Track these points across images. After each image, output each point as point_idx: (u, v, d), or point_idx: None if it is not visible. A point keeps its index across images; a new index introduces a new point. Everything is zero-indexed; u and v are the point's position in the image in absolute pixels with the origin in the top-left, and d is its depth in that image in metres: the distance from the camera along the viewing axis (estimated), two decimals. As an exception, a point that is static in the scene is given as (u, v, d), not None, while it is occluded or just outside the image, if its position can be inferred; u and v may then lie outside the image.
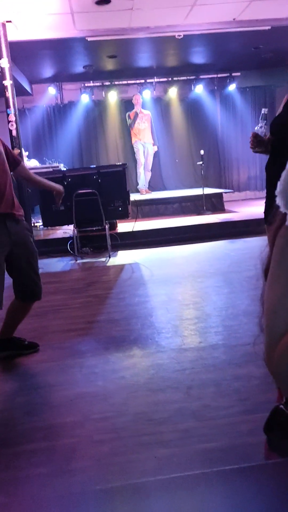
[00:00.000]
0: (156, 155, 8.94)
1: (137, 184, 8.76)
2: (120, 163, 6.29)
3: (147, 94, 9.11)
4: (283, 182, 0.77)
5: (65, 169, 7.02)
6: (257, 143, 2.35)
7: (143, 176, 8.66)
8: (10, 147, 2.75)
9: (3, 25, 4.84)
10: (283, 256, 0.75)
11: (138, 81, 9.21)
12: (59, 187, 2.86)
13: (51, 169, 6.66)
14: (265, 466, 0.47)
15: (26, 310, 2.69)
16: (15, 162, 2.60)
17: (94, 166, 7.23)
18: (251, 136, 2.37)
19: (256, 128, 2.41)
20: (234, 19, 5.58)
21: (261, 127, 2.40)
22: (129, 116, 8.51)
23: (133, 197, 6.14)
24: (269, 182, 2.23)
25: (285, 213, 0.78)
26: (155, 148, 8.77)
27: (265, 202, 2.32)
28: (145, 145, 8.53)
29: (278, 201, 0.81)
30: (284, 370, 0.67)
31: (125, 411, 1.98)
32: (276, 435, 0.78)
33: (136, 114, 8.41)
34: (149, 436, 1.79)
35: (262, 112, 2.55)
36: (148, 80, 9.19)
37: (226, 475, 0.46)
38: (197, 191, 7.81)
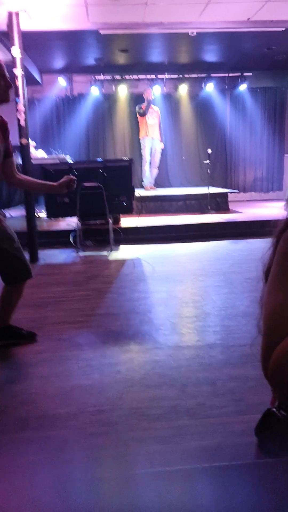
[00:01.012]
0: (163, 152, 8.91)
1: (143, 180, 8.73)
2: (127, 158, 6.28)
3: (157, 90, 9.07)
4: None
5: (71, 161, 7.02)
6: None
7: (148, 173, 8.62)
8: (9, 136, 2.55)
9: (17, 14, 4.81)
10: (286, 260, 0.75)
11: (148, 77, 9.17)
12: (52, 184, 2.72)
13: (57, 161, 6.66)
14: (255, 464, 0.48)
15: (17, 294, 2.65)
16: (7, 153, 2.51)
17: (101, 159, 7.23)
18: None
19: None
20: (248, 19, 5.54)
21: None
22: (140, 107, 8.43)
23: (138, 192, 6.14)
24: None
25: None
26: (162, 145, 8.72)
27: None
28: (153, 141, 8.47)
29: (285, 206, 0.82)
30: (279, 374, 0.68)
31: (120, 405, 1.99)
32: (267, 437, 0.79)
33: (148, 104, 8.30)
34: (142, 431, 1.81)
35: None
36: (159, 76, 9.16)
37: (216, 472, 0.46)
38: (202, 190, 7.80)
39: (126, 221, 6.33)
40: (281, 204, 0.84)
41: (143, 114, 8.35)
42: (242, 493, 0.41)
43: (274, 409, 0.79)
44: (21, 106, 4.75)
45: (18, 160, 6.28)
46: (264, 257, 0.84)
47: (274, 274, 0.76)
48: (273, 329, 0.71)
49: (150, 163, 8.59)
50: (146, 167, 8.59)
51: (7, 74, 2.37)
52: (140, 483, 0.48)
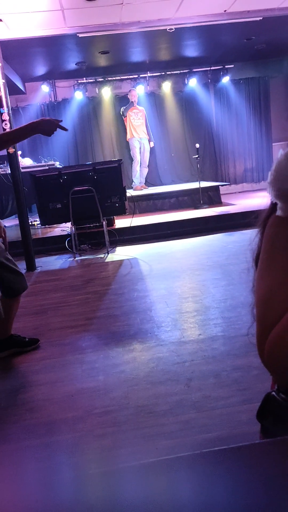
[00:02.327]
0: (151, 150, 8.92)
1: (133, 181, 8.72)
2: (116, 159, 6.29)
3: (140, 89, 9.08)
4: (274, 172, 0.78)
5: (60, 166, 7.02)
6: None
7: (139, 173, 8.63)
8: None
9: (-6, 24, 4.82)
10: (273, 245, 0.76)
11: (131, 76, 9.18)
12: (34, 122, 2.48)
13: (46, 167, 6.67)
14: (256, 445, 0.48)
15: (17, 305, 2.64)
16: None
17: (90, 162, 7.23)
18: None
19: None
20: (225, 10, 5.55)
21: None
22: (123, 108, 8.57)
23: (130, 192, 6.15)
24: None
25: (274, 203, 0.79)
26: (151, 144, 8.72)
27: None
28: (141, 141, 8.50)
29: (268, 191, 0.83)
30: (275, 359, 0.69)
31: (126, 404, 2.00)
32: (269, 422, 0.80)
33: (131, 104, 8.39)
34: (150, 428, 1.81)
35: None
36: (141, 75, 9.17)
37: (218, 456, 0.47)
38: (194, 185, 7.82)
39: (121, 222, 6.34)
40: None
41: (122, 115, 8.49)
42: (246, 474, 0.42)
43: (273, 393, 0.80)
44: (5, 116, 4.75)
45: (7, 169, 6.28)
46: (252, 245, 0.85)
47: (263, 260, 0.77)
48: (266, 314, 0.72)
49: (140, 163, 8.61)
50: (137, 168, 8.60)
51: None
52: (145, 473, 0.49)
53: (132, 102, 8.38)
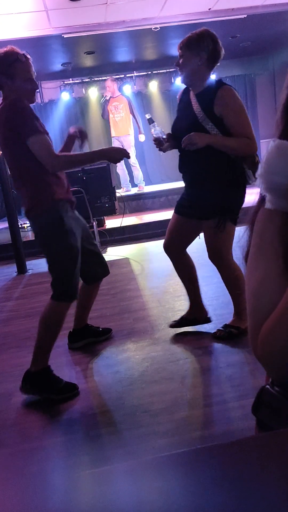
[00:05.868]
0: (139, 149, 8.74)
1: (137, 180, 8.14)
2: (104, 160, 6.27)
3: (127, 89, 9.06)
4: (264, 165, 0.78)
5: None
6: (160, 143, 2.60)
7: (122, 175, 8.06)
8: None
9: (-23, 26, 4.79)
10: (262, 240, 0.76)
11: (117, 76, 9.15)
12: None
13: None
14: (250, 439, 0.48)
15: (91, 293, 2.64)
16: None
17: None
18: (154, 142, 2.62)
19: (152, 132, 2.63)
20: (209, 9, 5.57)
21: (155, 130, 2.61)
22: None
23: (120, 192, 6.15)
24: None
25: (263, 196, 0.79)
26: (141, 138, 7.96)
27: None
28: (120, 139, 7.88)
29: (258, 183, 0.82)
30: (267, 352, 0.69)
31: (121, 404, 2.00)
32: (264, 415, 0.80)
33: (105, 102, 7.85)
34: (146, 427, 1.81)
35: (147, 118, 2.74)
36: (127, 75, 9.16)
37: (214, 451, 0.47)
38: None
39: (111, 223, 6.33)
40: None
41: (102, 116, 8.07)
42: (241, 468, 0.42)
43: (268, 386, 0.80)
44: (-8, 118, 4.72)
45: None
46: (242, 242, 0.85)
47: (252, 254, 0.77)
48: (257, 308, 0.72)
49: (125, 164, 7.99)
50: (118, 170, 7.94)
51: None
52: (141, 471, 0.48)
53: (106, 100, 7.80)
